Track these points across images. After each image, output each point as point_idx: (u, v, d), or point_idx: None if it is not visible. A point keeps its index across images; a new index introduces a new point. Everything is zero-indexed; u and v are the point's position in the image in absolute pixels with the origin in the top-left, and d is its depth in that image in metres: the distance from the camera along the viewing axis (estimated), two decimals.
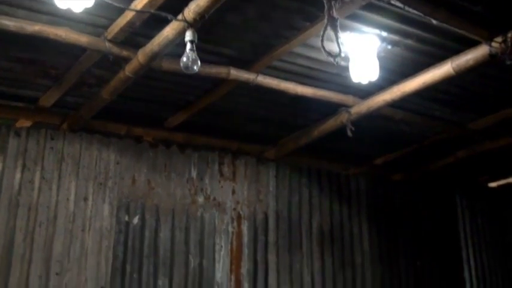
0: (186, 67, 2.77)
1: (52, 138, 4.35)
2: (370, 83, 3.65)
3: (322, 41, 2.51)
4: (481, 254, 6.53)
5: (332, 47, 3.16)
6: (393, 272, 5.80)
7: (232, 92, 4.14)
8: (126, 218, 4.51)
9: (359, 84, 3.68)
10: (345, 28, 3.20)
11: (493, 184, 6.77)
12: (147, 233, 4.57)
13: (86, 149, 4.48)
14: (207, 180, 4.99)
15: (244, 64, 3.79)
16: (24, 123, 4.22)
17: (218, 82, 4.01)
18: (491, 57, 3.30)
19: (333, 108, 4.44)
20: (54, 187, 4.26)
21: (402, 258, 5.94)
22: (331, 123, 4.61)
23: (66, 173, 4.34)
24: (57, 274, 4.11)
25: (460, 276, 6.28)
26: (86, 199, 4.37)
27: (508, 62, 3.14)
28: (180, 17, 2.88)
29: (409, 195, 6.23)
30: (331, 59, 2.57)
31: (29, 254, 4.05)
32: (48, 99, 4.10)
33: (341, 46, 2.67)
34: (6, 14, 3.08)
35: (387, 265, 5.79)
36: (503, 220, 6.94)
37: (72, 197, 4.31)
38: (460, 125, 4.94)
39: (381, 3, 3.06)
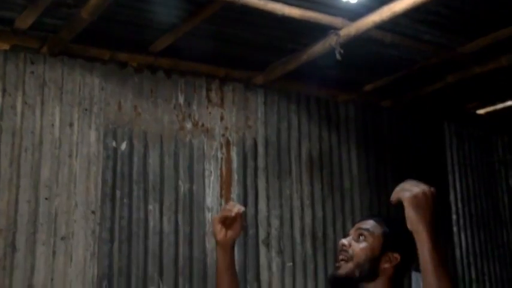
0: None
1: (32, 62, 4.22)
2: (359, 3, 3.54)
3: None
4: (467, 179, 6.67)
5: None
6: (381, 197, 5.90)
7: (217, 14, 4.00)
8: (114, 144, 4.49)
9: (348, 4, 3.58)
10: None
11: (481, 111, 6.78)
12: (135, 159, 4.57)
13: (69, 74, 4.37)
14: (194, 106, 4.94)
15: None
16: (1, 46, 4.07)
17: (203, 3, 3.87)
18: None
19: (322, 32, 4.32)
20: (38, 112, 4.20)
21: (390, 183, 6.02)
22: (319, 47, 4.51)
23: (49, 98, 4.26)
24: (46, 199, 4.14)
25: (446, 200, 6.42)
26: (71, 125, 4.32)
27: None
28: None
29: (398, 121, 6.24)
30: None
31: (16, 179, 4.05)
32: (24, 21, 3.93)
33: None
34: None
35: (375, 190, 5.88)
36: (489, 146, 7.05)
37: (57, 123, 4.26)
38: (450, 48, 4.86)
39: None
